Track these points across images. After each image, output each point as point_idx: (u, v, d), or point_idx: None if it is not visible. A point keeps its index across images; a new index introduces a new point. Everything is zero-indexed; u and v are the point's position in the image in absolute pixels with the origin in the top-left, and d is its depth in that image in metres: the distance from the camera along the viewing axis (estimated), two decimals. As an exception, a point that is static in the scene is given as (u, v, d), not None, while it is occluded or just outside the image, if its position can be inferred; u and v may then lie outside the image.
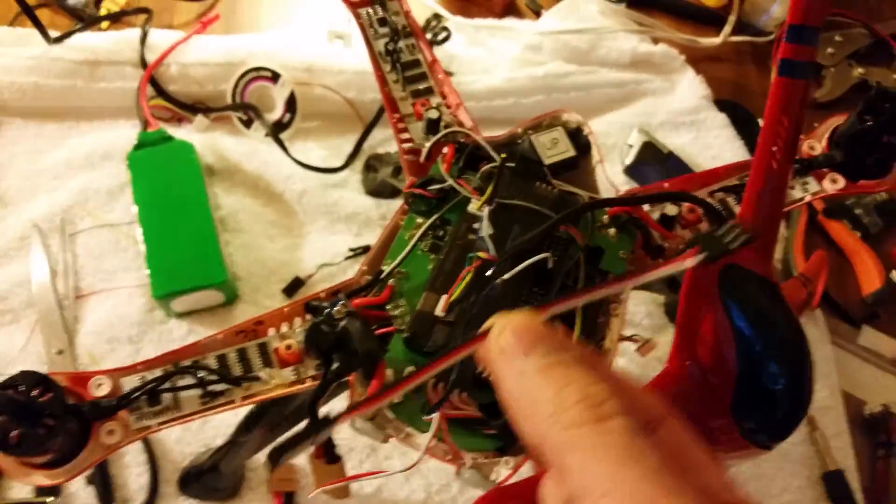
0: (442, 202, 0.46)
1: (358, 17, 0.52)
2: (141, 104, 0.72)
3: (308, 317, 0.43)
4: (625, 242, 0.45)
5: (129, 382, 0.41)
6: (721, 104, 0.79)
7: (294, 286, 0.68)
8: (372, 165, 0.73)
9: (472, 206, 0.44)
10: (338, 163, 0.74)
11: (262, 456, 0.61)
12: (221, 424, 0.63)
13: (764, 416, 0.42)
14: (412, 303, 0.42)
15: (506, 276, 0.39)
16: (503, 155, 0.45)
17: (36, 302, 0.67)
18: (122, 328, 0.66)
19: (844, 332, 0.70)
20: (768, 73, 0.83)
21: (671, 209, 0.46)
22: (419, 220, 0.45)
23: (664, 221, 0.46)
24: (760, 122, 0.77)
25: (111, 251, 0.70)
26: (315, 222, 0.72)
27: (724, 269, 0.39)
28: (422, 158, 0.48)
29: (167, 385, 0.41)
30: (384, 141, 0.76)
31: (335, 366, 0.39)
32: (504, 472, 0.38)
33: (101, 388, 0.41)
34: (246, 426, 0.52)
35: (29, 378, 0.37)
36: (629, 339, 0.45)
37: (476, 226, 0.44)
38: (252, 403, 0.41)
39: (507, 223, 0.43)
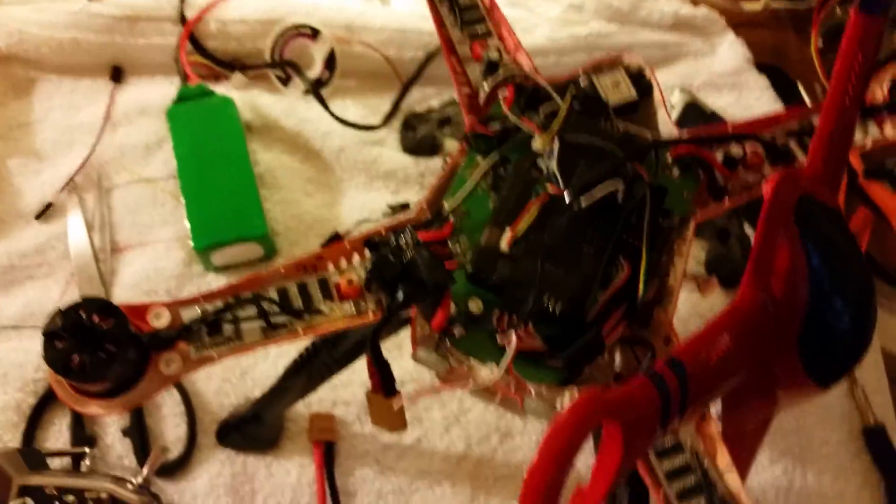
0: (502, 141, 0.45)
1: (414, -42, 0.51)
2: (181, 58, 0.72)
3: (367, 253, 0.42)
4: (689, 183, 0.45)
5: (188, 314, 0.40)
6: (761, 68, 0.78)
7: (332, 241, 0.68)
8: (411, 124, 0.73)
9: (536, 143, 0.44)
10: (376, 121, 0.73)
11: (301, 407, 0.61)
12: (261, 377, 0.63)
13: (825, 352, 0.42)
14: (473, 239, 0.42)
15: (582, 205, 0.38)
16: (571, 90, 0.44)
17: (72, 255, 0.67)
18: (160, 281, 0.66)
19: (885, 292, 0.70)
20: (807, 40, 0.82)
21: (736, 150, 0.46)
22: (479, 159, 0.45)
23: (727, 163, 0.46)
24: (800, 86, 0.77)
25: (148, 206, 0.69)
26: (353, 179, 0.71)
27: (801, 199, 0.39)
28: (481, 99, 0.47)
29: (228, 316, 0.40)
30: (422, 100, 0.75)
31: (400, 296, 0.39)
32: (567, 402, 0.38)
33: (160, 320, 0.40)
34: (295, 370, 0.52)
35: (91, 303, 0.37)
36: (691, 278, 0.44)
37: (539, 163, 0.43)
38: (314, 335, 0.41)
39: (573, 161, 0.42)
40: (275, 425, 0.60)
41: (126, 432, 0.61)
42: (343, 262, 0.42)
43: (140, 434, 0.61)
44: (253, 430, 0.59)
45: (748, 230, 0.69)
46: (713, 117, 0.71)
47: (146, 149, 0.72)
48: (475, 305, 0.40)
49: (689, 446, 0.39)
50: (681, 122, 0.71)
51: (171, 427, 0.61)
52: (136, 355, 0.38)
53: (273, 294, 0.41)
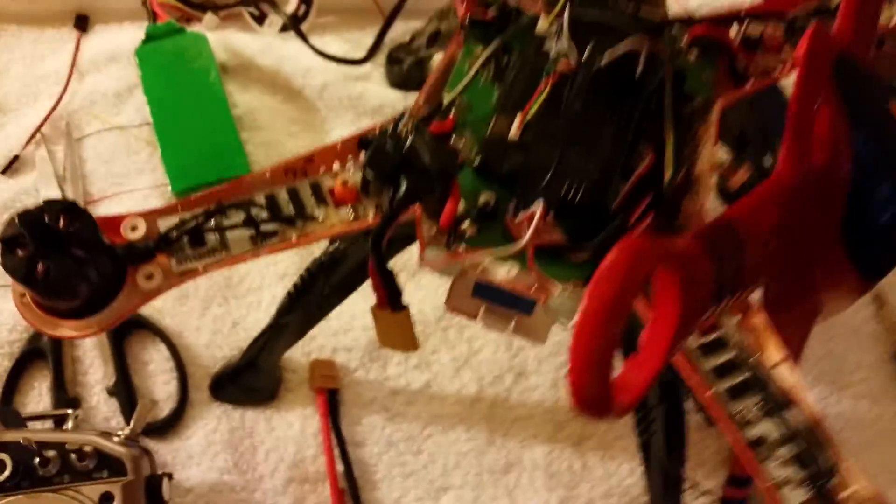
0: (501, 29, 0.41)
1: None
2: (149, 1, 0.67)
3: (362, 154, 0.38)
4: (707, 66, 0.41)
5: (168, 226, 0.36)
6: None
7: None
8: (396, 57, 0.68)
9: (542, 24, 0.40)
10: (359, 57, 0.69)
11: (300, 356, 0.57)
12: (254, 327, 0.58)
13: (870, 241, 0.38)
14: (479, 133, 0.38)
15: (603, 62, 0.34)
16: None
17: (44, 211, 0.62)
18: (139, 233, 0.61)
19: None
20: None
21: (754, 30, 0.42)
22: (478, 48, 0.41)
23: (747, 45, 0.42)
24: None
25: (122, 154, 0.65)
26: (339, 117, 0.67)
27: (839, 59, 0.35)
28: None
29: (211, 225, 0.36)
30: (407, 34, 0.71)
31: (403, 188, 0.34)
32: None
33: (135, 231, 0.36)
34: (290, 304, 0.48)
35: (54, 205, 0.33)
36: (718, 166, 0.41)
37: (546, 46, 0.39)
38: (310, 242, 0.37)
39: (584, 38, 0.38)
40: (272, 374, 0.56)
41: (111, 392, 0.56)
42: (336, 165, 0.38)
43: (127, 393, 0.56)
44: (249, 380, 0.55)
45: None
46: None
47: (117, 96, 0.67)
48: (486, 198, 0.36)
49: (735, 341, 0.35)
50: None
51: (159, 384, 0.57)
52: (110, 266, 0.34)
53: (261, 200, 0.37)
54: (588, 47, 0.36)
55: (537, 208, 0.33)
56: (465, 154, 0.37)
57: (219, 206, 0.36)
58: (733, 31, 0.42)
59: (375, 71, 0.69)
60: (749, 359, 0.35)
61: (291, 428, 0.55)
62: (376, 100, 0.67)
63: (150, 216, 0.36)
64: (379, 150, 0.35)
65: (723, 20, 0.42)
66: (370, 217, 0.37)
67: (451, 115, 0.38)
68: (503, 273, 0.35)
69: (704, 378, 0.35)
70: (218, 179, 0.59)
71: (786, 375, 0.35)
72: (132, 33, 0.69)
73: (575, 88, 0.35)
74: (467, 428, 0.56)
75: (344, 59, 0.68)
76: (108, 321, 0.34)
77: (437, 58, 0.61)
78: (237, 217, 0.36)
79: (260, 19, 0.70)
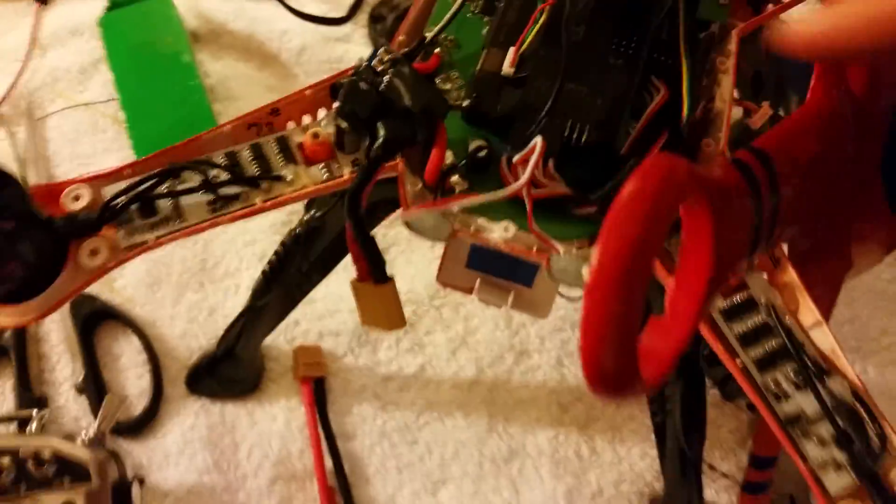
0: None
1: None
2: (109, -38, 0.63)
3: (336, 104, 0.33)
4: (722, -12, 0.36)
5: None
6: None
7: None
8: (378, 15, 0.64)
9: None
10: (338, 16, 0.65)
11: (283, 343, 0.53)
12: (233, 314, 0.53)
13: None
14: (467, 73, 0.33)
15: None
16: None
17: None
18: (107, 216, 0.57)
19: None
20: None
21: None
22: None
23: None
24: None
25: (87, 133, 0.61)
26: (321, 83, 0.63)
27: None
28: None
29: (163, 190, 0.31)
30: (390, -7, 0.66)
31: (382, 135, 0.30)
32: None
33: (78, 201, 0.31)
34: (266, 283, 0.43)
35: (-25, 170, 0.28)
36: (738, 102, 0.36)
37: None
38: (277, 207, 0.32)
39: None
40: (253, 363, 0.51)
41: (80, 389, 0.52)
42: (306, 119, 0.34)
43: (97, 390, 0.52)
44: (228, 371, 0.50)
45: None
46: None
47: (81, 71, 0.63)
48: (477, 146, 0.31)
49: (764, 302, 0.31)
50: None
51: (132, 379, 0.53)
52: (47, 242, 0.29)
53: (220, 160, 0.32)
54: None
55: (535, 145, 0.28)
56: (451, 97, 0.33)
57: (172, 167, 0.32)
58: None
59: (357, 31, 0.65)
60: (780, 322, 0.30)
61: (275, 421, 0.51)
62: (359, 63, 0.63)
63: (95, 182, 0.31)
64: (353, 90, 0.30)
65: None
66: (346, 175, 0.32)
67: (435, 53, 0.34)
68: (499, 233, 0.30)
69: (732, 347, 0.30)
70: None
71: (822, 339, 0.30)
72: (96, 4, 0.65)
73: (577, 10, 0.31)
74: (466, 414, 0.52)
75: (323, 18, 0.64)
76: (49, 305, 0.30)
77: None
78: (193, 180, 0.32)
79: (231, -16, 0.65)
